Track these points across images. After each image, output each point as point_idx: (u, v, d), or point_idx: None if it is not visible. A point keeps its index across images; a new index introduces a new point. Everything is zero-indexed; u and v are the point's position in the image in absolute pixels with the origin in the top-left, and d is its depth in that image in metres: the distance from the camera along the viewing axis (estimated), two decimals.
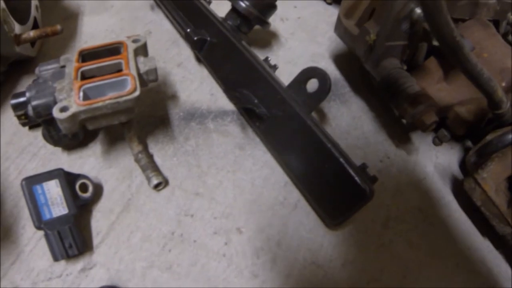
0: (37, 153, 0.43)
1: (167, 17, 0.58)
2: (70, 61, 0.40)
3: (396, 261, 0.40)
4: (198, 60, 0.54)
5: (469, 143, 0.52)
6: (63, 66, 0.40)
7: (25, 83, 0.48)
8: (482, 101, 0.45)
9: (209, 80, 0.53)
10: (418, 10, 0.43)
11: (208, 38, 0.49)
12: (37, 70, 0.41)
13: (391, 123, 0.52)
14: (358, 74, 0.56)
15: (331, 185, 0.39)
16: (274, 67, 0.45)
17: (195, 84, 0.52)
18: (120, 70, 0.39)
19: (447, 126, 0.49)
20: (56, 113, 0.35)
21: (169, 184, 0.42)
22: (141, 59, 0.41)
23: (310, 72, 0.42)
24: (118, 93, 0.36)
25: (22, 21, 0.46)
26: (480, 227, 0.44)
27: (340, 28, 0.51)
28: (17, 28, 0.44)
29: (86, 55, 0.41)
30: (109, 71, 0.39)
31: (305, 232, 0.41)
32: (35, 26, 0.50)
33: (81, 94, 0.37)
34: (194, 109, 0.49)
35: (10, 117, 0.44)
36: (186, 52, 0.56)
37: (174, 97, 0.51)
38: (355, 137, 0.50)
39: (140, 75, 0.40)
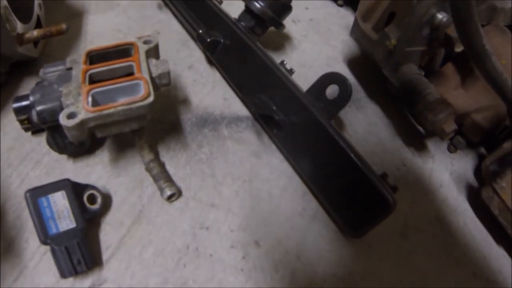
0: (40, 160, 0.41)
1: (176, 17, 0.56)
2: (77, 63, 0.38)
3: (415, 272, 0.39)
4: (210, 62, 0.52)
5: (482, 151, 0.52)
6: (70, 68, 0.38)
7: (27, 85, 0.46)
8: (498, 108, 0.44)
9: (221, 83, 0.51)
10: (440, 16, 0.42)
11: (222, 40, 0.47)
12: (41, 72, 0.38)
13: (406, 129, 0.51)
14: (372, 79, 0.55)
15: (353, 195, 0.38)
16: (291, 71, 0.44)
17: (208, 88, 0.50)
18: (130, 73, 0.37)
19: (463, 133, 0.48)
20: (63, 120, 0.32)
21: (183, 195, 0.40)
22: (153, 61, 0.39)
23: (329, 78, 0.40)
24: (130, 99, 0.34)
25: (24, 20, 0.43)
26: (495, 235, 0.43)
27: (357, 32, 0.50)
28: (19, 27, 0.41)
29: (94, 57, 0.39)
30: (119, 74, 0.37)
31: (325, 244, 0.39)
32: (38, 25, 0.47)
33: (90, 99, 0.34)
34: (207, 114, 0.47)
35: (11, 121, 0.41)
36: (197, 54, 0.53)
37: (185, 101, 0.48)
38: (372, 144, 0.49)
39: (152, 79, 0.38)
